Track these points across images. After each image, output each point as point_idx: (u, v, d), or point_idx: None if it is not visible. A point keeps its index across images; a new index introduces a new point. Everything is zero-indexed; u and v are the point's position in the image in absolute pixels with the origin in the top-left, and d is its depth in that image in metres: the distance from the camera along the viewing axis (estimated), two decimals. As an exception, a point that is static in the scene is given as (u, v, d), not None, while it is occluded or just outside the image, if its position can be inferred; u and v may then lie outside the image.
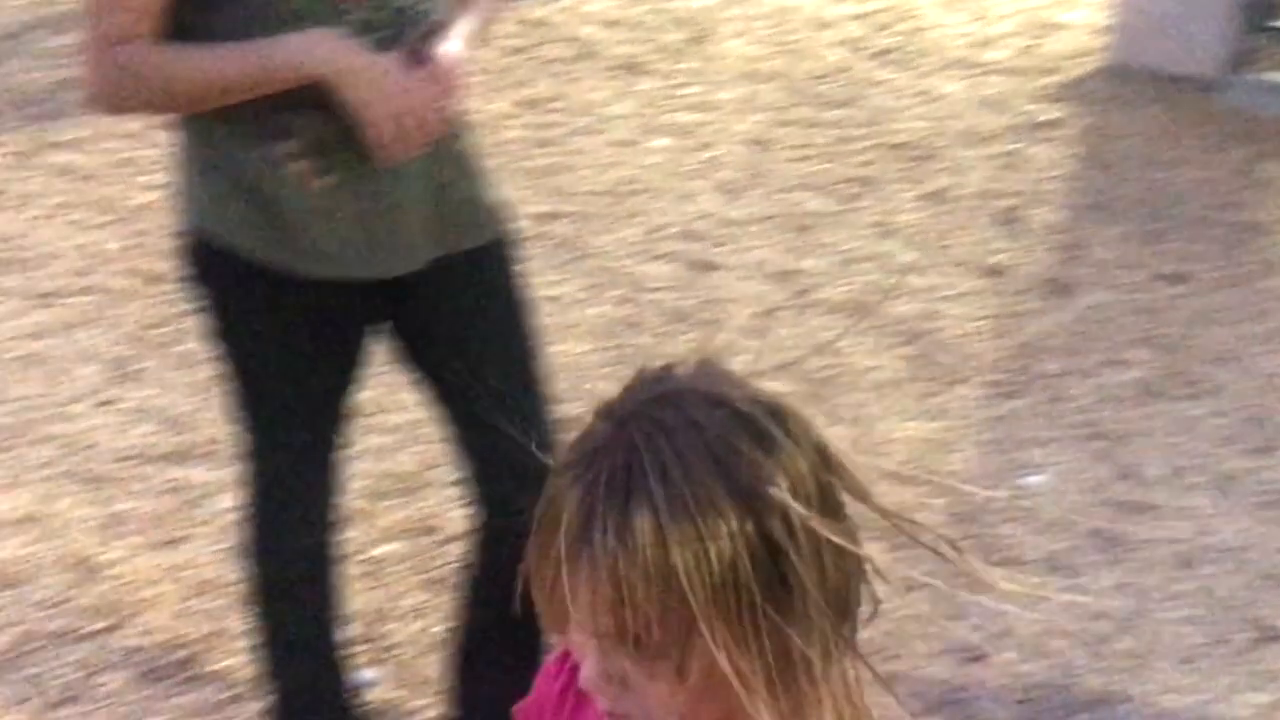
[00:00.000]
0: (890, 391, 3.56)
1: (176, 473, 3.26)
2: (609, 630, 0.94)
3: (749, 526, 0.92)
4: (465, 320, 2.14)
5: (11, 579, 2.92)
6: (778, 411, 0.98)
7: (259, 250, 2.00)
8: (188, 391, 3.54)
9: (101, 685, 2.67)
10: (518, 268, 2.18)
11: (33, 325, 3.86)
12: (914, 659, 2.71)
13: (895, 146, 4.91)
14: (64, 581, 2.92)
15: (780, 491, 0.93)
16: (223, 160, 1.99)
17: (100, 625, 2.80)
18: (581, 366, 3.63)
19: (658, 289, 4.07)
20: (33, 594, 2.88)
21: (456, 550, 2.76)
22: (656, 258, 4.24)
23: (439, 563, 2.98)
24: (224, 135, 1.97)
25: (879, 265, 4.17)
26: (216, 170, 2.00)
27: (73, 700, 2.63)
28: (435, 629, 2.75)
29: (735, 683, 0.92)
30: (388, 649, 2.73)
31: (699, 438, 0.94)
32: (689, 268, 4.18)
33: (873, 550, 1.00)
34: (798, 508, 0.93)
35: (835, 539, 0.95)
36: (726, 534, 0.91)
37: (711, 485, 0.92)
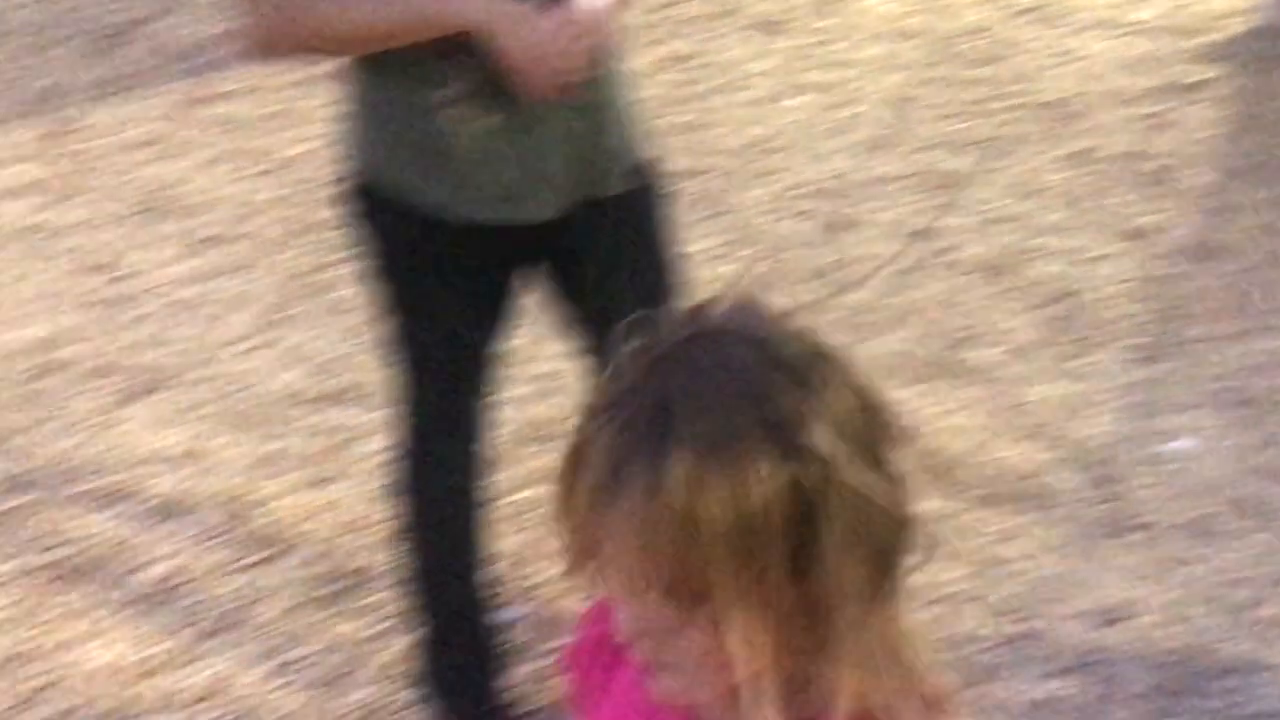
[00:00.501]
0: (1030, 353, 3.49)
1: (327, 415, 3.33)
2: (642, 578, 0.89)
3: (785, 472, 0.86)
4: (610, 266, 2.16)
5: (170, 512, 3.02)
6: (818, 353, 0.92)
7: (418, 194, 2.05)
8: (339, 337, 3.61)
9: (254, 616, 2.74)
10: (665, 217, 2.20)
11: (192, 270, 3.97)
12: (1050, 620, 2.67)
13: (1039, 106, 4.80)
14: (220, 516, 3.01)
15: (818, 436, 0.87)
16: (386, 105, 2.04)
17: (254, 559, 2.88)
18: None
19: (794, 247, 4.04)
20: (190, 527, 2.97)
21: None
22: (793, 215, 4.21)
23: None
24: (387, 80, 2.02)
25: (1020, 226, 4.09)
26: (379, 115, 2.05)
27: (227, 630, 2.72)
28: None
29: (760, 633, 0.88)
30: (529, 589, 2.77)
31: (735, 379, 0.89)
32: (825, 226, 4.14)
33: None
34: (836, 454, 0.88)
35: (873, 487, 0.89)
36: (762, 479, 0.86)
37: (747, 428, 0.87)
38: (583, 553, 0.92)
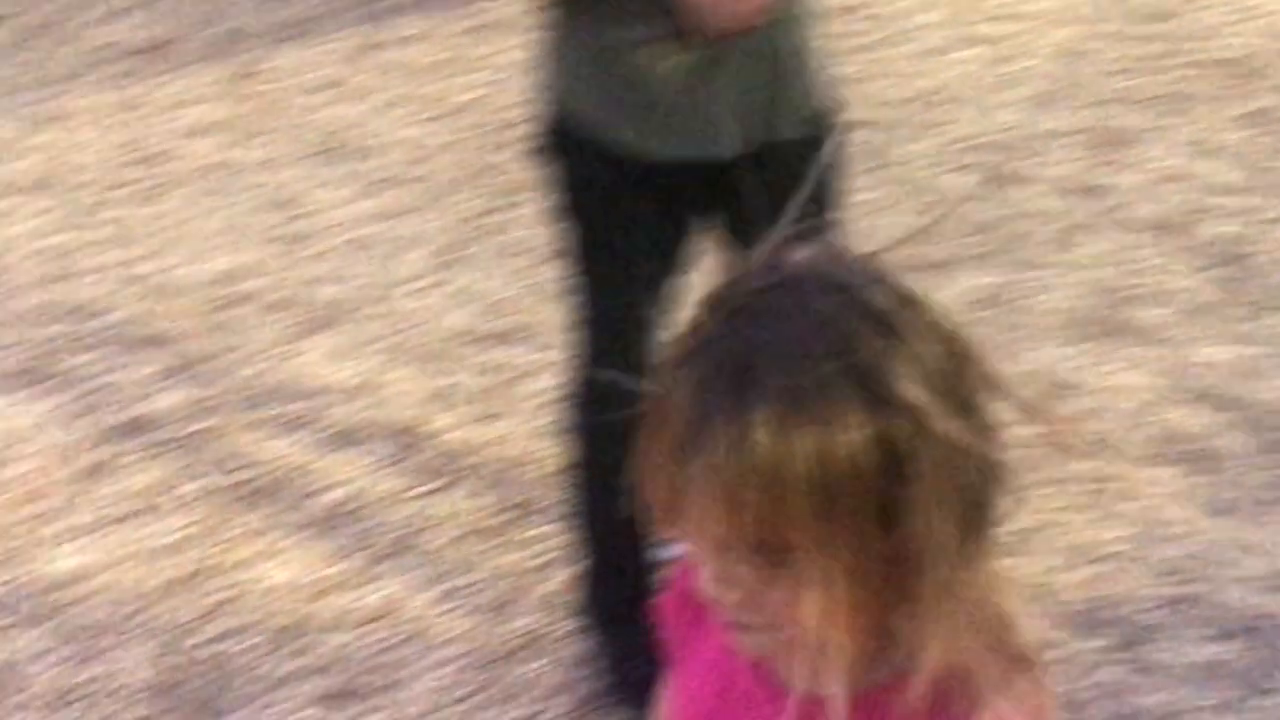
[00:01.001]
0: (1200, 314, 3.40)
1: (497, 353, 3.39)
2: (726, 535, 0.86)
3: (873, 423, 0.83)
4: (777, 212, 2.16)
5: (347, 441, 3.11)
6: (904, 299, 0.87)
7: (609, 131, 2.08)
8: (508, 278, 3.67)
9: (425, 543, 2.82)
10: (838, 167, 2.20)
11: (369, 210, 4.07)
12: (1214, 583, 2.62)
13: (1217, 63, 4.65)
14: (393, 446, 3.09)
15: (906, 386, 0.83)
16: (580, 43, 2.08)
17: (425, 488, 2.96)
18: (882, 273, 3.61)
19: (959, 200, 3.99)
20: (365, 456, 3.06)
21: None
22: (960, 168, 4.14)
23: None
24: (583, 19, 2.06)
25: (1193, 185, 3.97)
26: (574, 53, 2.09)
27: (396, 556, 2.80)
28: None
29: (845, 590, 0.85)
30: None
31: (819, 327, 0.84)
32: (992, 180, 4.08)
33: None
34: (925, 404, 0.83)
35: (963, 437, 0.85)
36: (849, 431, 0.82)
37: (833, 379, 0.82)
38: (668, 509, 0.88)
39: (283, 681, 2.51)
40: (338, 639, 2.60)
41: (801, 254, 0.90)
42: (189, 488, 2.97)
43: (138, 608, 2.66)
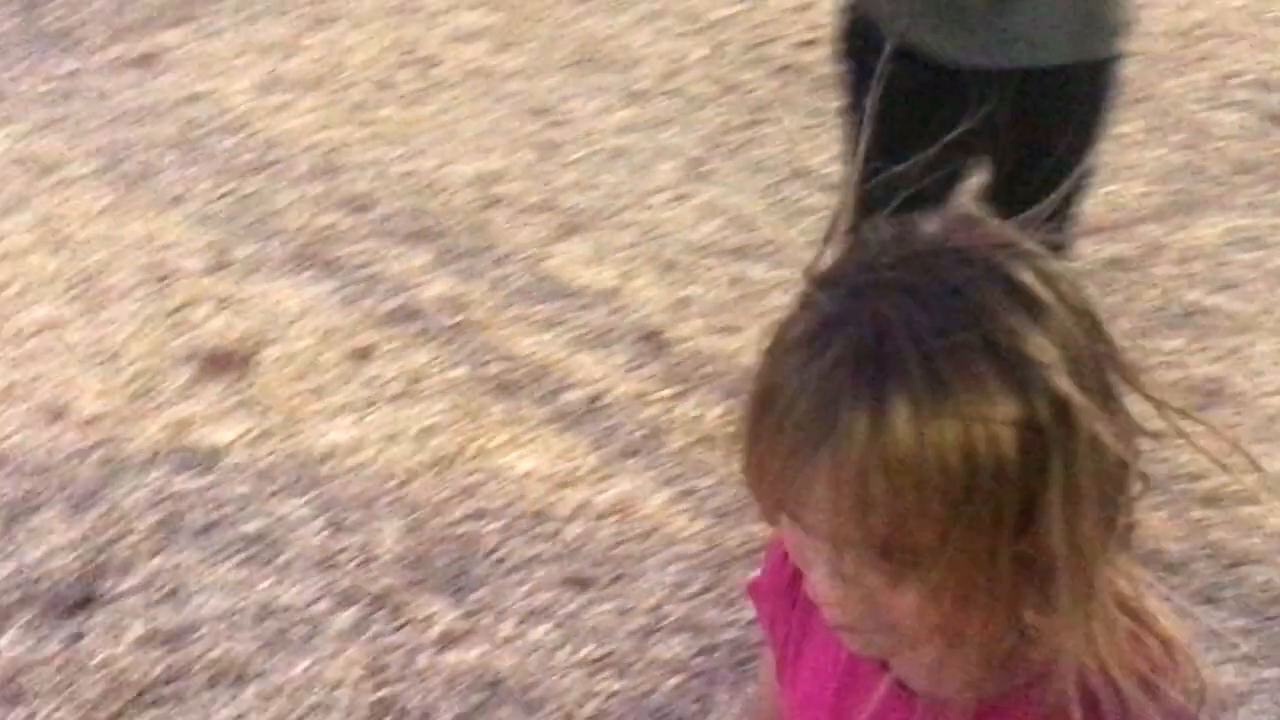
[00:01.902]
0: None
1: (739, 267, 3.43)
2: (851, 534, 0.77)
3: (1019, 410, 0.74)
4: (1044, 131, 2.14)
5: (595, 342, 3.20)
6: (1049, 274, 0.78)
7: (912, 33, 2.08)
8: (755, 195, 3.69)
9: (664, 445, 2.89)
10: (1112, 93, 2.16)
11: (622, 121, 4.13)
12: None
13: None
14: (637, 350, 3.16)
15: (1054, 371, 0.75)
16: None
17: (668, 392, 3.02)
18: (1134, 208, 3.51)
19: (1224, 138, 3.83)
20: (611, 357, 3.15)
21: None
22: (1226, 105, 3.98)
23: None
24: None
25: None
26: None
27: (637, 454, 2.87)
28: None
29: (980, 591, 0.78)
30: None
31: (961, 305, 0.75)
32: (1261, 118, 3.90)
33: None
34: (1072, 390, 0.75)
35: (1107, 425, 0.77)
36: (993, 419, 0.74)
37: (978, 363, 0.74)
38: (778, 507, 0.81)
39: (523, 565, 2.61)
40: (576, 529, 2.69)
41: (932, 224, 0.81)
42: (448, 375, 3.09)
43: (393, 485, 2.80)
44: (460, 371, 3.10)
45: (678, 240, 3.55)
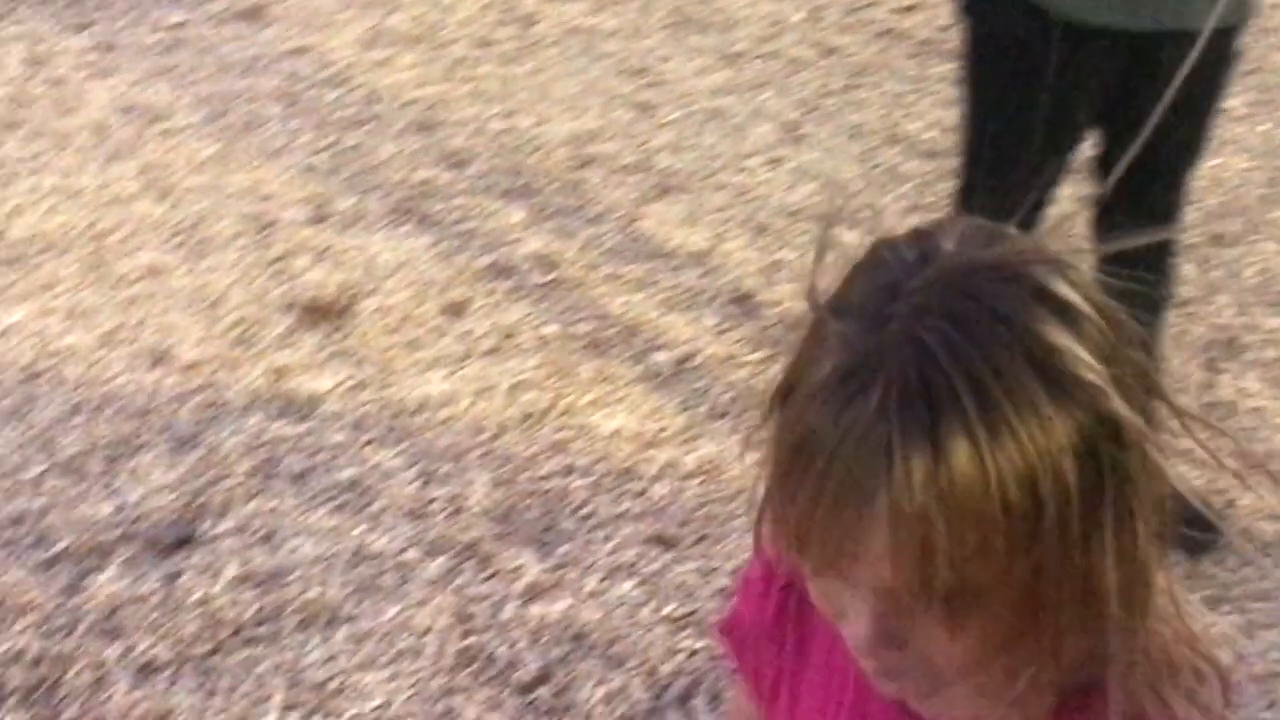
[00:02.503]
0: None
1: (832, 232, 3.39)
2: (909, 585, 0.72)
3: (1075, 434, 0.70)
4: (1160, 99, 2.09)
5: (687, 304, 3.19)
6: (1081, 281, 0.73)
7: None
8: (850, 160, 3.65)
9: (751, 409, 2.88)
10: (1229, 69, 2.11)
11: (718, 83, 4.10)
12: None
13: None
14: (728, 313, 3.15)
15: (1105, 388, 0.70)
16: None
17: (757, 356, 3.01)
18: (1236, 183, 3.43)
19: (1334, 114, 3.73)
20: (704, 319, 3.14)
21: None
22: (1337, 81, 3.87)
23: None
24: None
25: None
26: None
27: (725, 416, 2.87)
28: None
29: (1041, 625, 0.73)
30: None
31: (1003, 325, 0.70)
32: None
33: None
34: (1120, 406, 0.71)
35: (1152, 438, 0.73)
36: (1054, 446, 0.69)
37: (1030, 386, 0.69)
38: (823, 565, 0.74)
39: (609, 522, 2.62)
40: (662, 489, 2.69)
41: (952, 239, 0.74)
42: (540, 332, 3.11)
43: (484, 439, 2.82)
44: (552, 329, 3.11)
45: (771, 204, 3.53)
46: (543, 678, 2.27)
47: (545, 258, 3.34)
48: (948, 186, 3.55)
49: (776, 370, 0.76)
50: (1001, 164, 2.19)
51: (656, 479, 2.72)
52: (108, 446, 2.74)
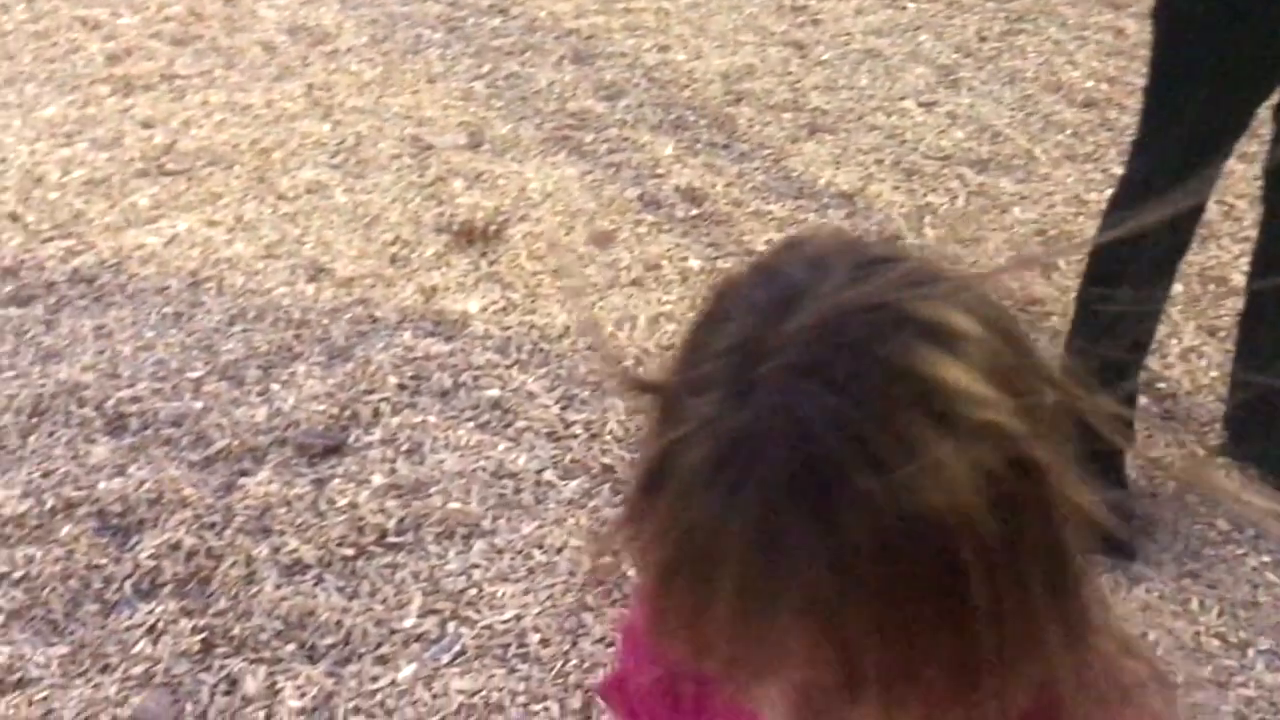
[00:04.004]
0: None
1: (983, 179, 3.32)
2: (832, 681, 0.63)
3: (980, 475, 0.61)
4: None
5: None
6: (965, 302, 0.63)
7: None
8: (1006, 106, 3.55)
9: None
10: None
11: (876, 24, 4.02)
12: None
13: None
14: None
15: (1003, 417, 0.62)
16: None
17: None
18: None
19: None
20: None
21: (1235, 304, 2.64)
22: None
23: (1217, 312, 2.86)
24: None
25: None
26: None
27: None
28: (1205, 372, 2.67)
29: (978, 670, 0.64)
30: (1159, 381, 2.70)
31: (890, 378, 0.60)
32: None
33: None
34: (1029, 436, 0.62)
35: (1069, 461, 0.65)
36: (961, 496, 0.60)
37: (930, 443, 0.60)
38: (730, 673, 0.66)
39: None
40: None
41: (801, 267, 0.65)
42: (684, 265, 3.09)
43: (628, 364, 2.82)
44: (696, 263, 3.10)
45: (922, 147, 3.46)
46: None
47: (693, 191, 3.32)
48: (1106, 137, 3.44)
49: (639, 454, 0.65)
50: (1195, 122, 2.09)
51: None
52: (265, 354, 2.81)
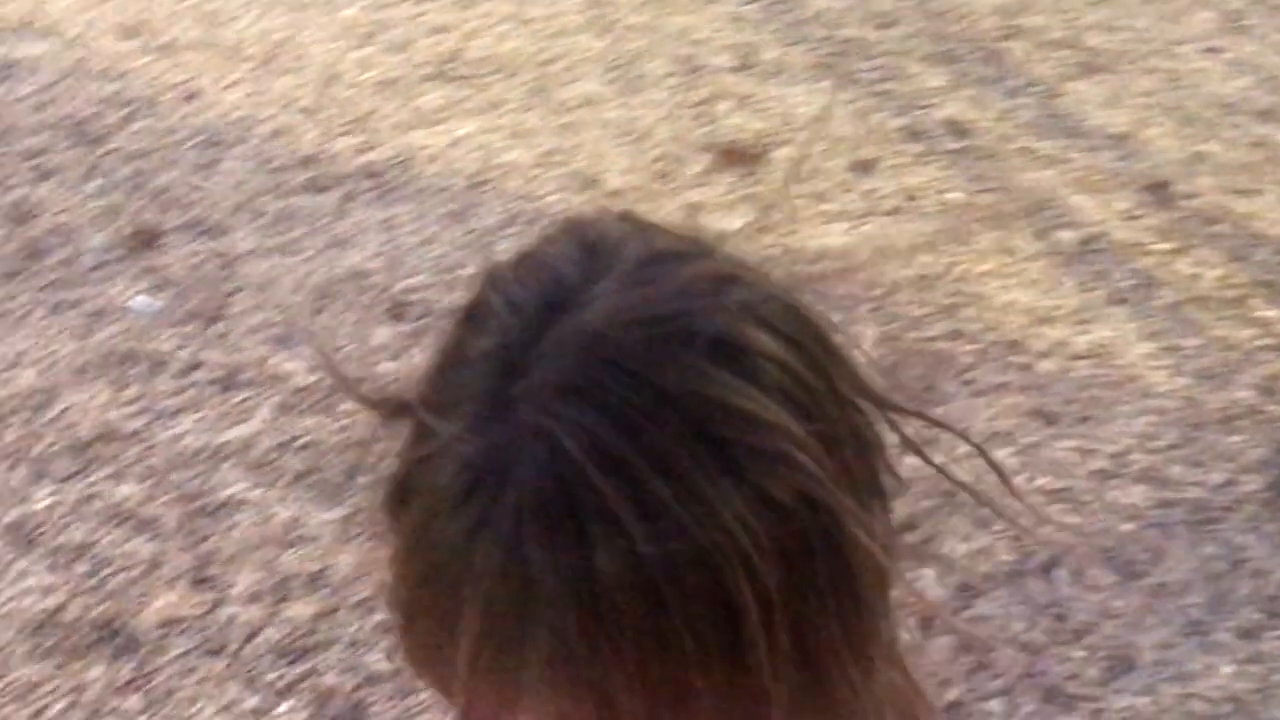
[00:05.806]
0: None
1: (1266, 129, 3.15)
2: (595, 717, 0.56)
3: (769, 515, 0.54)
4: None
5: (1099, 186, 3.04)
6: (749, 304, 0.57)
7: None
8: (1294, 54, 3.36)
9: (1152, 299, 2.74)
10: None
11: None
12: None
13: None
14: (1140, 199, 2.98)
15: (794, 454, 0.55)
16: None
17: (1166, 246, 2.85)
18: None
19: None
20: (1114, 203, 2.98)
21: None
22: None
23: None
24: None
25: None
26: None
27: (1124, 302, 2.74)
28: None
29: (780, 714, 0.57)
30: None
31: (662, 402, 0.54)
32: None
33: None
34: (821, 476, 0.55)
35: (856, 508, 0.57)
36: (742, 541, 0.53)
37: (704, 476, 0.53)
38: (487, 712, 0.58)
39: (991, 390, 2.57)
40: (1049, 365, 2.61)
41: (574, 261, 0.57)
42: (944, 197, 3.04)
43: (877, 294, 2.80)
44: (957, 195, 3.04)
45: (1202, 93, 3.30)
46: (910, 524, 2.27)
47: (959, 124, 3.25)
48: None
49: (389, 465, 0.58)
50: None
51: (1044, 355, 2.64)
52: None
